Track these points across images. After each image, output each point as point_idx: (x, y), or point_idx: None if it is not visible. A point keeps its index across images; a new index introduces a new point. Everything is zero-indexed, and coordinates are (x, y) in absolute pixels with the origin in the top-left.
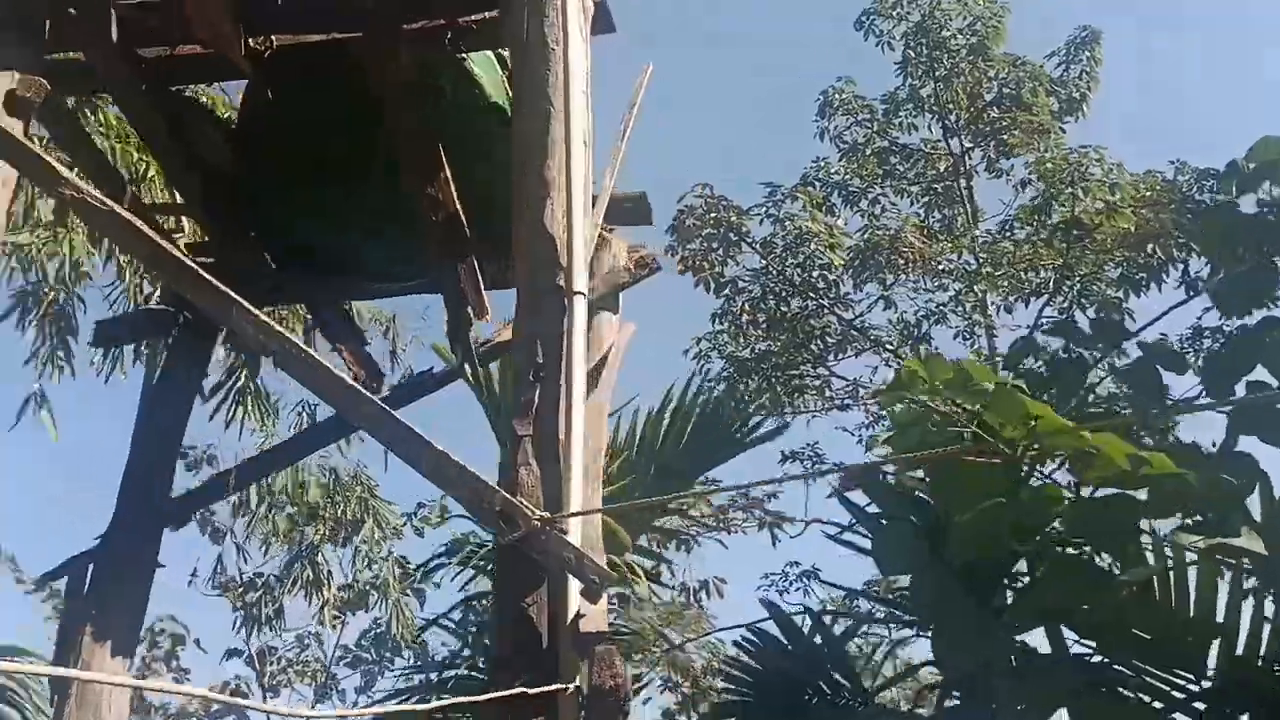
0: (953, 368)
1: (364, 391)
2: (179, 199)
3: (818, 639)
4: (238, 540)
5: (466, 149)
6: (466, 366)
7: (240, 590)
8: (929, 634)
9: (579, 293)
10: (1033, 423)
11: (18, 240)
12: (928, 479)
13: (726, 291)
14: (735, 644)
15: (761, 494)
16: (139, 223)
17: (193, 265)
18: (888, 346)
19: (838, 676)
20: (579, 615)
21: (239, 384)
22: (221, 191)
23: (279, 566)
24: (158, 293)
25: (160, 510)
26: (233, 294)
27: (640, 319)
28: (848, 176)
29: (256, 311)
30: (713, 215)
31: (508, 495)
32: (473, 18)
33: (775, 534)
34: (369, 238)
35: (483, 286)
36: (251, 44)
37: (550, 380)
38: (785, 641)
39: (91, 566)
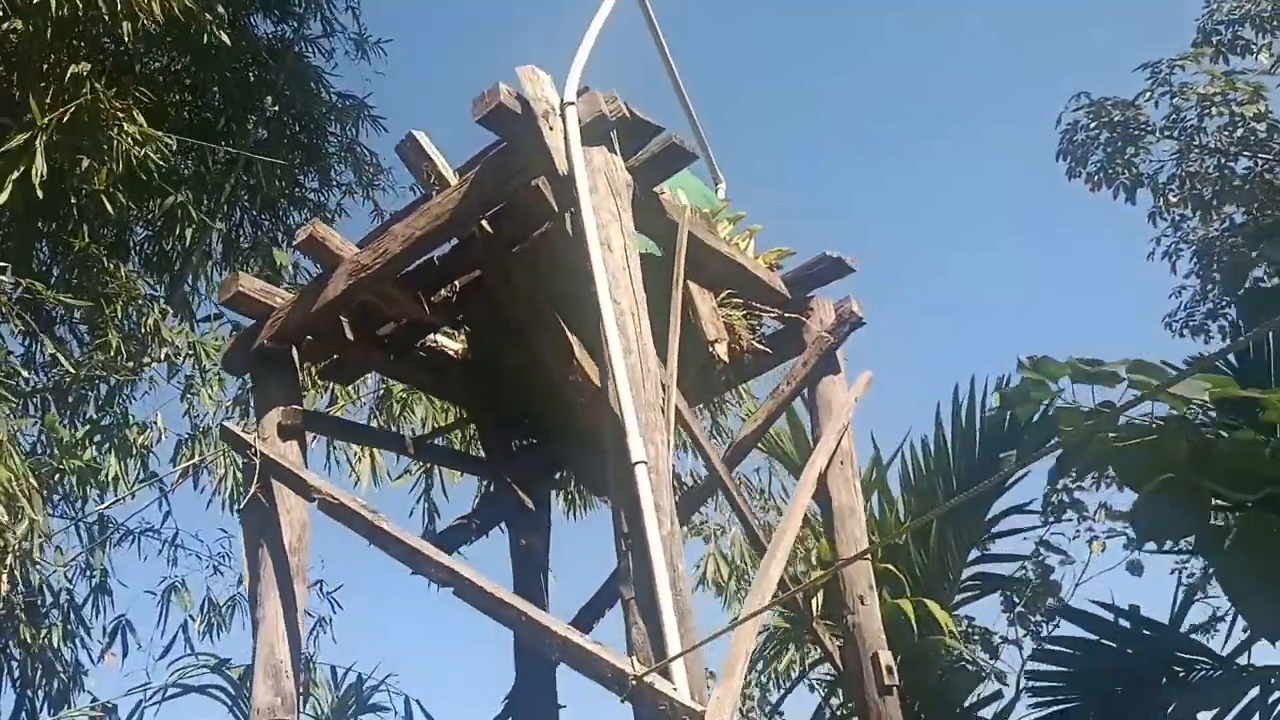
0: None
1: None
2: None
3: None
4: None
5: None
6: None
7: None
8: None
9: (640, 462)
10: None
11: None
12: None
13: (1146, 187)
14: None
15: None
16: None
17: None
18: None
19: (1184, 654)
20: None
21: None
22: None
23: None
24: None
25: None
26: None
27: None
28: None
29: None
30: (1104, 119)
31: (611, 659)
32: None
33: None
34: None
35: None
36: (433, 299)
37: (638, 546)
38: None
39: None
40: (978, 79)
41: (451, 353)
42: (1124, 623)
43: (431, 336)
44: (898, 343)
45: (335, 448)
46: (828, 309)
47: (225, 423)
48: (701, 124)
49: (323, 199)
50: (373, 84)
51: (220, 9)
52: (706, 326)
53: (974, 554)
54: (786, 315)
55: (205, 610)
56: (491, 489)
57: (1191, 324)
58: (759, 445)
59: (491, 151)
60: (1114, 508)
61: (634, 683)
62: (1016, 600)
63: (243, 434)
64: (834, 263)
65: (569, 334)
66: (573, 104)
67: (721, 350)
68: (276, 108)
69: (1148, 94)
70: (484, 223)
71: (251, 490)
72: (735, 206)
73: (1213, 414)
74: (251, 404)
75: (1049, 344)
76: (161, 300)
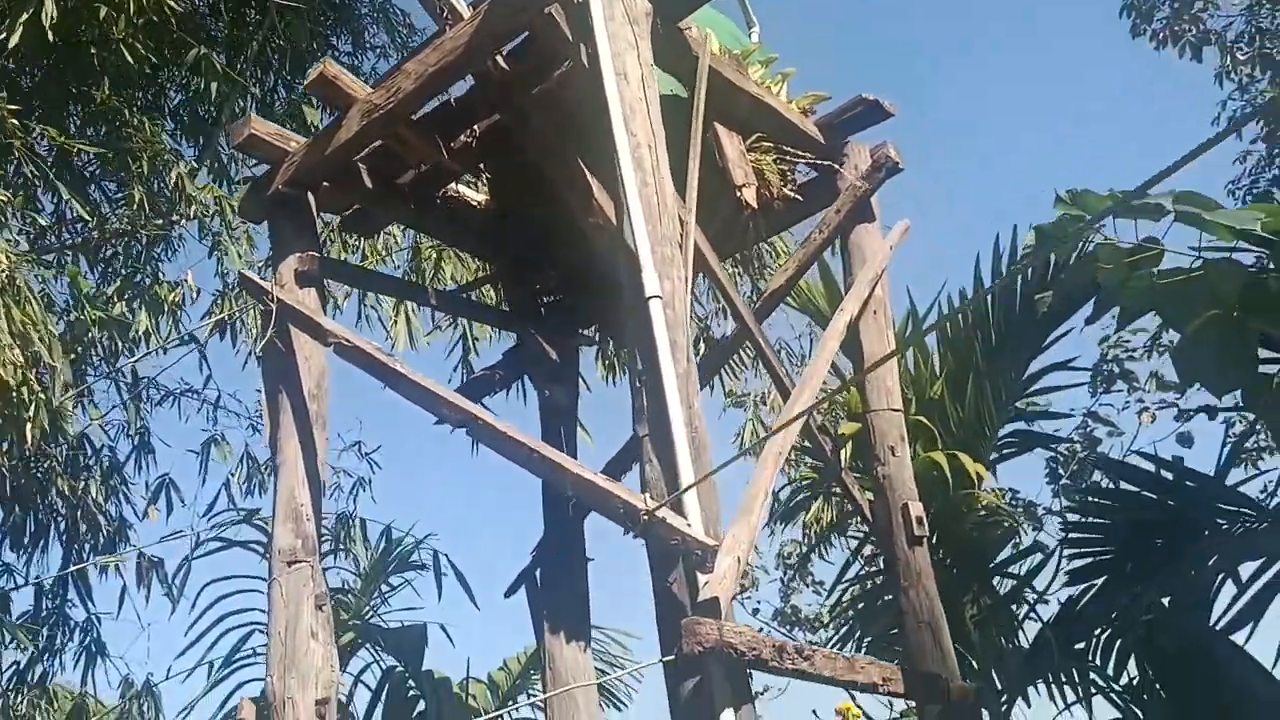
0: None
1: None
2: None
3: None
4: None
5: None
6: None
7: None
8: None
9: (654, 296)
10: None
11: None
12: None
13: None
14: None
15: None
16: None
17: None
18: None
19: (1228, 505)
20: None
21: None
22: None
23: None
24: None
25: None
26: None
27: None
28: None
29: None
30: None
31: (623, 494)
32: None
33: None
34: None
35: None
36: (453, 145)
37: (652, 382)
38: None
39: (539, 572)
40: None
41: (474, 203)
42: (1166, 474)
43: (454, 186)
44: (938, 194)
45: (367, 306)
46: (863, 155)
47: (244, 271)
48: None
49: (356, 62)
50: None
51: None
52: (734, 170)
53: (1013, 413)
54: (820, 161)
55: (246, 465)
56: (518, 342)
57: (1256, 190)
58: (790, 300)
59: None
60: (1165, 378)
61: (645, 518)
62: (1061, 472)
63: (260, 281)
64: (870, 106)
65: (589, 176)
66: None
67: (749, 195)
68: None
69: None
70: (500, 60)
71: (267, 335)
72: (769, 50)
73: (1267, 251)
74: None
75: None
76: (189, 157)
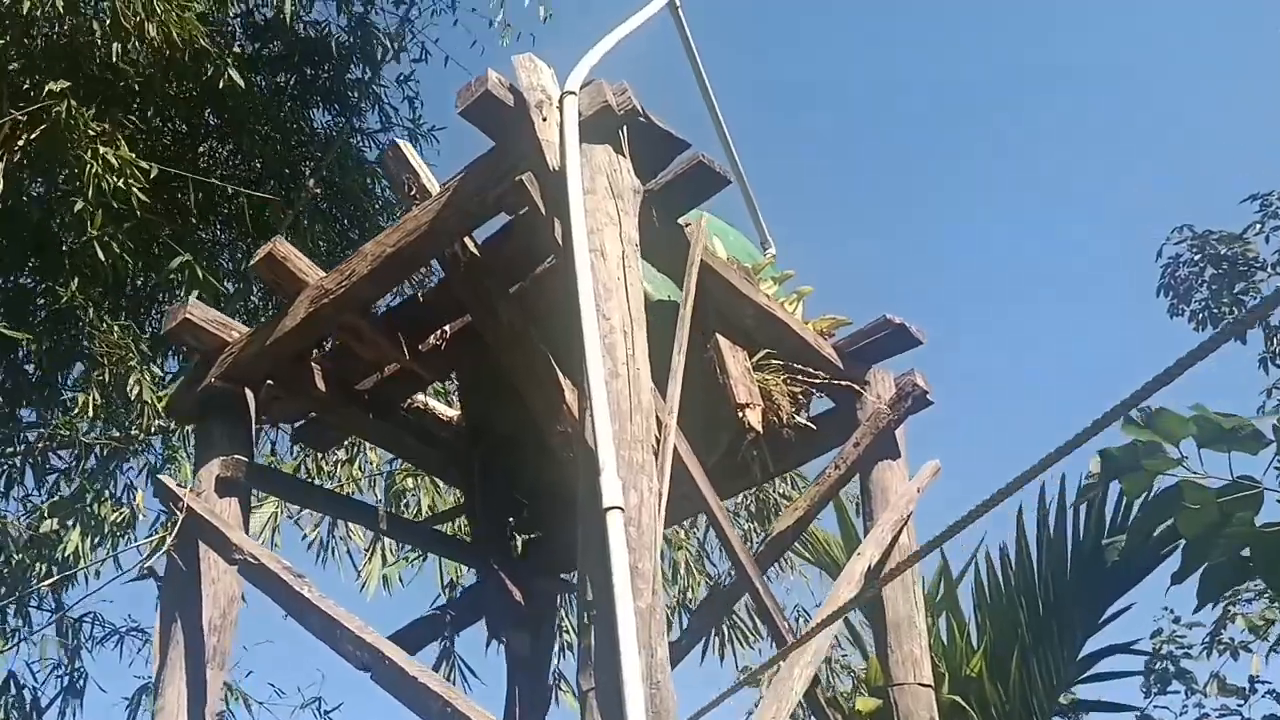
0: None
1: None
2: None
3: None
4: None
5: None
6: None
7: None
8: None
9: (613, 508)
10: None
11: None
12: None
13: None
14: None
15: None
16: None
17: None
18: None
19: None
20: None
21: None
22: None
23: None
24: None
25: None
26: None
27: None
28: None
29: None
30: (1208, 253)
31: None
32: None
33: None
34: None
35: None
36: (420, 347)
37: (603, 618)
38: None
39: None
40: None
41: (444, 418)
42: None
43: (421, 398)
44: (969, 434)
45: (333, 551)
46: (887, 382)
47: (162, 476)
48: (749, 179)
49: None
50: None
51: (239, 46)
52: (736, 387)
53: (1065, 704)
54: (836, 383)
55: None
56: (478, 580)
57: None
58: (801, 550)
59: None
60: (1229, 681)
61: None
62: None
63: (175, 487)
64: (896, 330)
65: (560, 374)
66: (573, 93)
67: (754, 418)
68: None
69: (1257, 226)
70: (471, 248)
71: (165, 548)
72: (785, 270)
73: None
74: None
75: None
76: (155, 361)
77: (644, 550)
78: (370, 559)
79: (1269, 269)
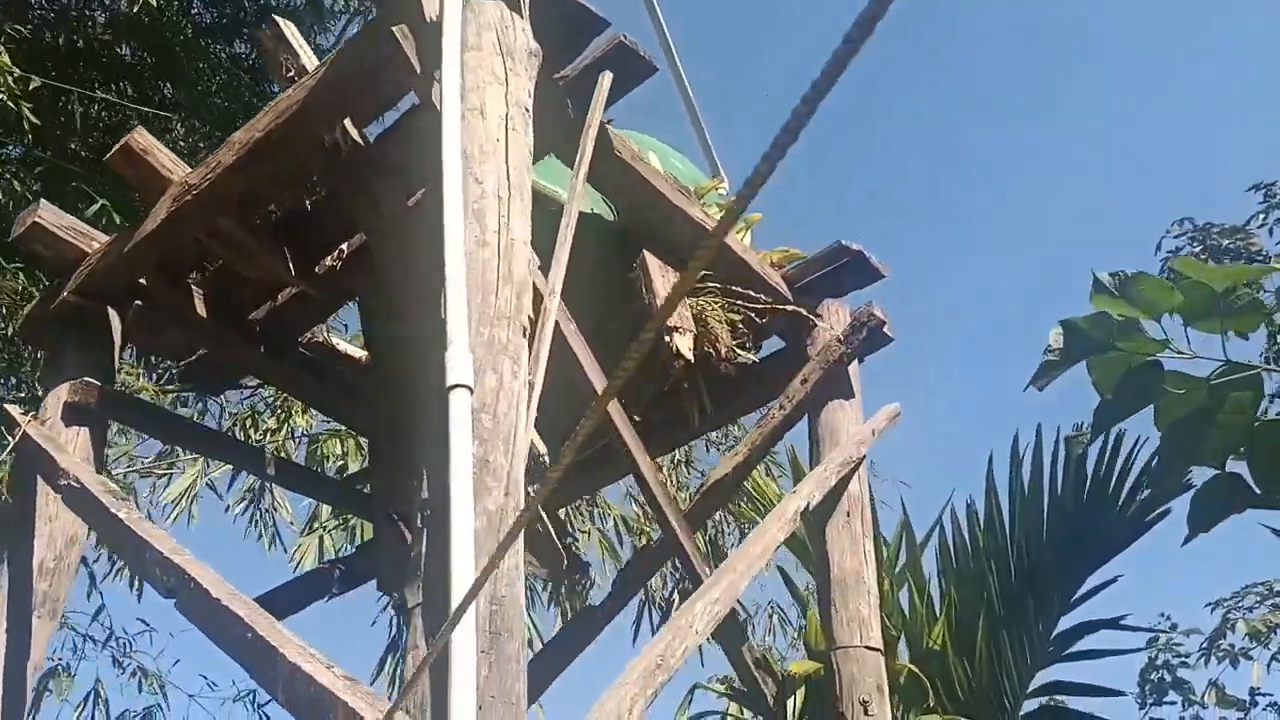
0: None
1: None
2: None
3: None
4: None
5: None
6: None
7: None
8: None
9: (459, 385)
10: None
11: None
12: None
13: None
14: None
15: None
16: None
17: None
18: None
19: None
20: None
21: None
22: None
23: None
24: None
25: None
26: None
27: None
28: None
29: None
30: (1209, 246)
31: (354, 701)
32: None
33: None
34: None
35: None
36: (317, 269)
37: (437, 525)
38: None
39: None
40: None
41: (349, 355)
42: None
43: (324, 331)
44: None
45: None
46: (841, 314)
47: (6, 404)
48: (702, 111)
49: None
50: None
51: None
52: (663, 307)
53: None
54: (782, 307)
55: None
56: (375, 534)
57: None
58: (739, 503)
59: None
60: (1227, 690)
61: None
62: None
63: (17, 414)
64: (854, 259)
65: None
66: None
67: (684, 344)
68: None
69: (1260, 218)
70: (354, 134)
71: None
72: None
73: None
74: None
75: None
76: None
77: (498, 443)
78: (308, 532)
79: (1272, 261)
